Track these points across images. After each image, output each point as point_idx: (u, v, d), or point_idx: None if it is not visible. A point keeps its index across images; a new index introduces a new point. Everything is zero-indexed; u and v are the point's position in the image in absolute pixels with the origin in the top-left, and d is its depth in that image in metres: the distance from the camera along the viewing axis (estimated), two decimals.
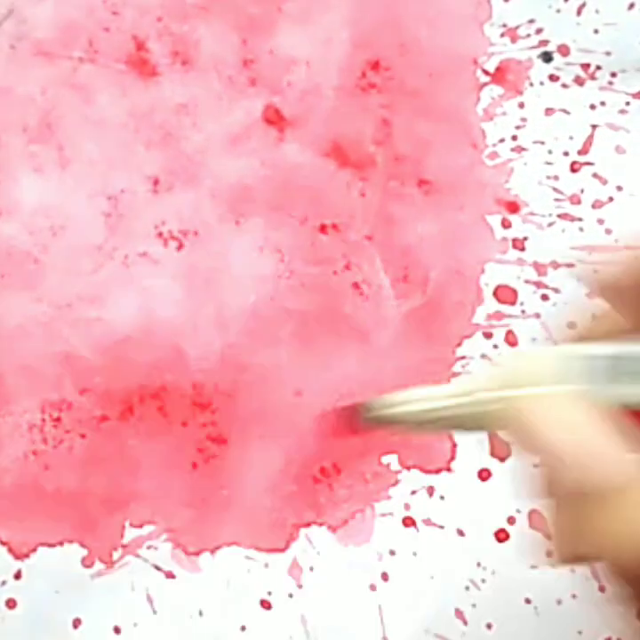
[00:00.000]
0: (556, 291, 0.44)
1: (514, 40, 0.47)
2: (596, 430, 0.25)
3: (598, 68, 0.47)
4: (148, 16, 0.47)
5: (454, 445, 0.42)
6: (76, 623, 0.40)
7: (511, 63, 0.47)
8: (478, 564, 0.41)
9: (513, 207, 0.45)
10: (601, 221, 0.45)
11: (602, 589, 0.40)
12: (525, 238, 0.45)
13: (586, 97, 0.47)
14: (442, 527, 0.41)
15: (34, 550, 0.41)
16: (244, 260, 0.44)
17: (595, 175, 0.46)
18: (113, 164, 0.45)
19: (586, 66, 0.47)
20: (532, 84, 0.47)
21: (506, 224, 0.45)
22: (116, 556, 0.41)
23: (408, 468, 0.42)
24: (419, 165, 0.46)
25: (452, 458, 0.42)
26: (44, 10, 0.47)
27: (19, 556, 0.41)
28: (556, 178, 0.46)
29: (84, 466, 0.42)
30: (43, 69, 0.46)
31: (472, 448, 0.42)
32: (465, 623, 0.40)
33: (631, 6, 0.47)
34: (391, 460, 0.42)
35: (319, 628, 0.40)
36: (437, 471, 0.42)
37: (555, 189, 0.46)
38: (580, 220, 0.45)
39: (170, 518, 0.41)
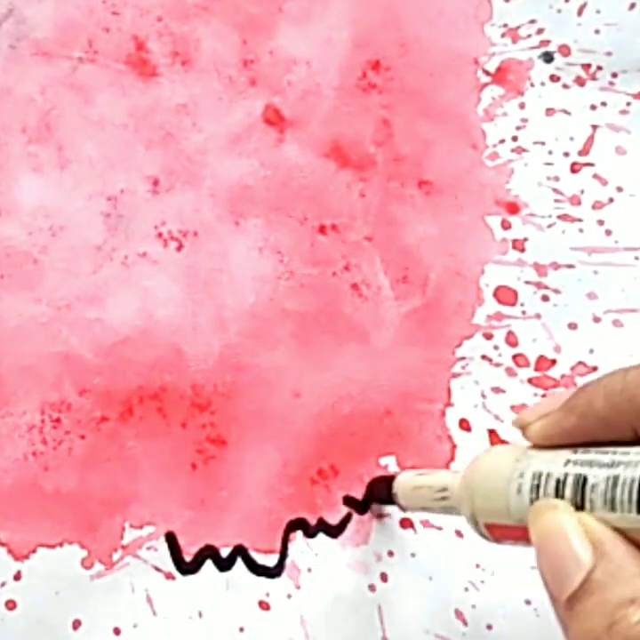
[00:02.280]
0: (557, 291, 0.44)
1: (515, 40, 0.47)
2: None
3: (599, 68, 0.47)
4: (147, 16, 0.47)
5: (454, 446, 0.42)
6: (76, 624, 0.40)
7: (512, 63, 0.47)
8: (477, 566, 0.41)
9: (513, 208, 0.45)
10: (601, 222, 0.45)
11: None
12: (525, 239, 0.45)
13: (586, 97, 0.46)
14: (440, 528, 0.41)
15: (33, 551, 0.41)
16: (244, 260, 0.44)
17: (595, 176, 0.46)
18: (113, 165, 0.45)
19: (587, 66, 0.47)
20: (532, 85, 0.47)
21: (506, 225, 0.45)
22: (115, 557, 0.41)
23: (407, 470, 0.42)
24: (419, 166, 0.45)
25: (452, 459, 0.42)
26: (43, 10, 0.47)
27: (18, 557, 0.41)
28: (557, 179, 0.46)
29: (84, 467, 0.42)
30: (42, 69, 0.46)
31: (471, 449, 0.42)
32: (465, 624, 0.40)
33: (632, 6, 0.47)
34: (389, 461, 0.42)
35: (318, 629, 0.40)
36: None
37: (555, 190, 0.45)
38: (580, 220, 0.45)
39: (169, 519, 0.41)
